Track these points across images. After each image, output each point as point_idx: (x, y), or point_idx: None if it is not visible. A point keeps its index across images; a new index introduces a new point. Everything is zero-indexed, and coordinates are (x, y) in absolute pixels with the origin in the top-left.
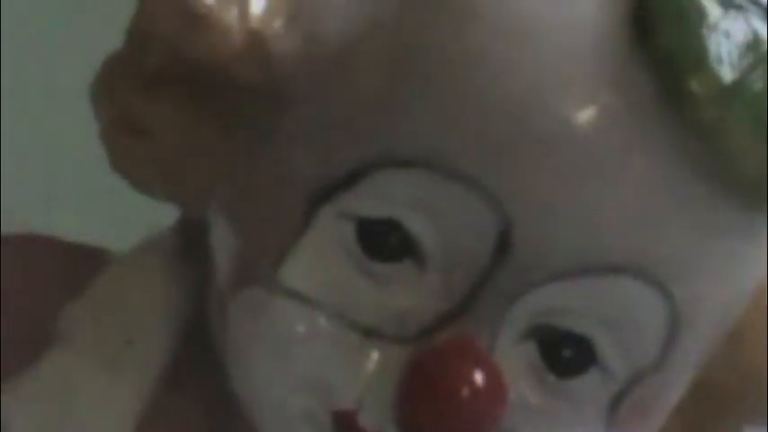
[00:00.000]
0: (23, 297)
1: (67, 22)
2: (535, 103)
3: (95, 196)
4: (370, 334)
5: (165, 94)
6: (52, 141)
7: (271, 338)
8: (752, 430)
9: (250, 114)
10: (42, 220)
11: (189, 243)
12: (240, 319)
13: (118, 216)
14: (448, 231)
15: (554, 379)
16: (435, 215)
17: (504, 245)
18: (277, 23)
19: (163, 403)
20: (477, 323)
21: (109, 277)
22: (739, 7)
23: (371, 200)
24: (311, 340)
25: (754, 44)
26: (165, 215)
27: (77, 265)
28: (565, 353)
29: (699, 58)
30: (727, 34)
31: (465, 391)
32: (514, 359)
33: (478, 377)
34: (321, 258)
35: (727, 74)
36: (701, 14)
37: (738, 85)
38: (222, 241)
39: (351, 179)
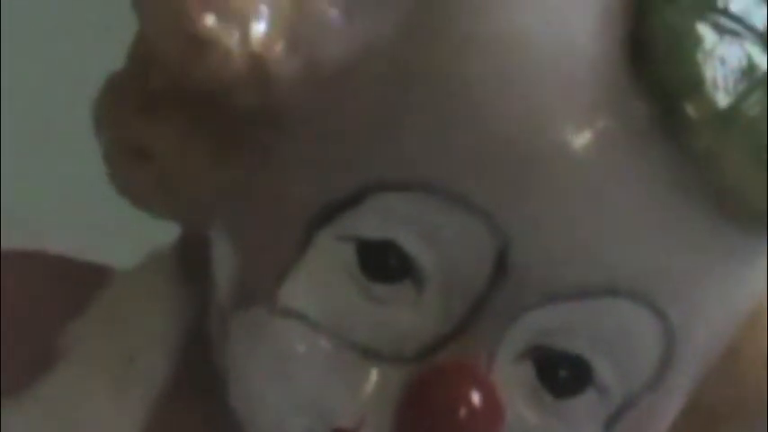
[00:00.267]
0: (26, 314)
1: (69, 25)
2: (531, 127)
3: (96, 205)
4: (369, 354)
5: (167, 116)
6: (53, 145)
7: (271, 358)
8: None
9: (250, 137)
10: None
11: (190, 260)
12: (240, 338)
13: (118, 222)
14: (446, 253)
15: (551, 399)
16: (433, 237)
17: (501, 267)
18: (277, 48)
19: (164, 419)
20: (475, 344)
21: (110, 295)
22: (735, 33)
23: (371, 222)
24: (311, 360)
25: (749, 70)
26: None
27: (79, 281)
28: (561, 373)
29: (694, 84)
30: (723, 60)
31: (463, 412)
32: (512, 379)
33: (476, 398)
34: (321, 279)
35: (723, 99)
36: (696, 40)
37: (734, 111)
38: (223, 260)
39: (350, 202)
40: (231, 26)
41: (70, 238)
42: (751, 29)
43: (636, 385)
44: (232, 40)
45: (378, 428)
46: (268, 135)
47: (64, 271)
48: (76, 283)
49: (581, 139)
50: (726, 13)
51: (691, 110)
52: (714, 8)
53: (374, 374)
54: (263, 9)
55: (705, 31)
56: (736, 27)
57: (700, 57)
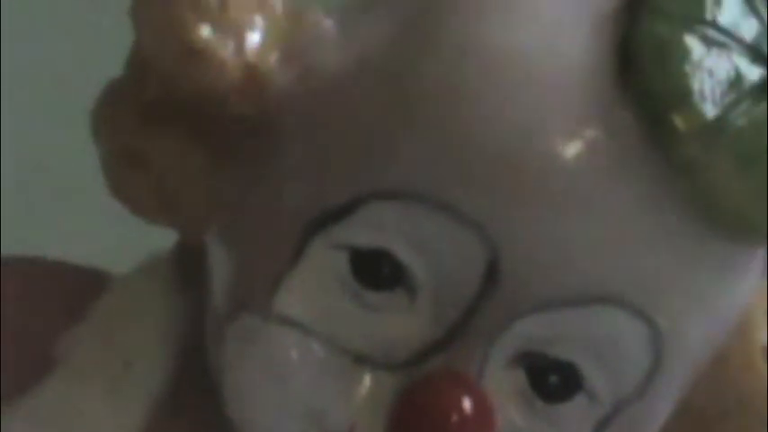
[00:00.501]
0: (24, 320)
1: (68, 32)
2: (521, 139)
3: (93, 211)
4: (362, 360)
5: (163, 126)
6: (52, 152)
7: (265, 364)
8: None
9: (245, 146)
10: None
11: (187, 267)
12: (235, 345)
13: (116, 228)
14: (438, 262)
15: (541, 404)
16: (425, 246)
17: (491, 275)
18: (272, 58)
19: (161, 424)
20: (466, 351)
21: (108, 301)
22: (722, 45)
23: (364, 230)
24: (304, 366)
25: (736, 81)
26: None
27: (77, 287)
28: (552, 379)
29: (682, 96)
30: (711, 72)
31: (454, 418)
32: (503, 385)
33: (467, 404)
34: (314, 287)
35: (710, 111)
36: (684, 52)
37: (721, 122)
38: (218, 267)
39: (344, 210)
40: (226, 37)
41: (68, 243)
42: (738, 41)
43: (625, 392)
44: (227, 50)
45: None
46: (263, 144)
47: (62, 276)
48: (74, 288)
49: (571, 151)
50: (714, 25)
51: (678, 121)
52: (702, 20)
53: (367, 380)
54: (258, 20)
55: (693, 42)
56: (723, 39)
57: (687, 68)
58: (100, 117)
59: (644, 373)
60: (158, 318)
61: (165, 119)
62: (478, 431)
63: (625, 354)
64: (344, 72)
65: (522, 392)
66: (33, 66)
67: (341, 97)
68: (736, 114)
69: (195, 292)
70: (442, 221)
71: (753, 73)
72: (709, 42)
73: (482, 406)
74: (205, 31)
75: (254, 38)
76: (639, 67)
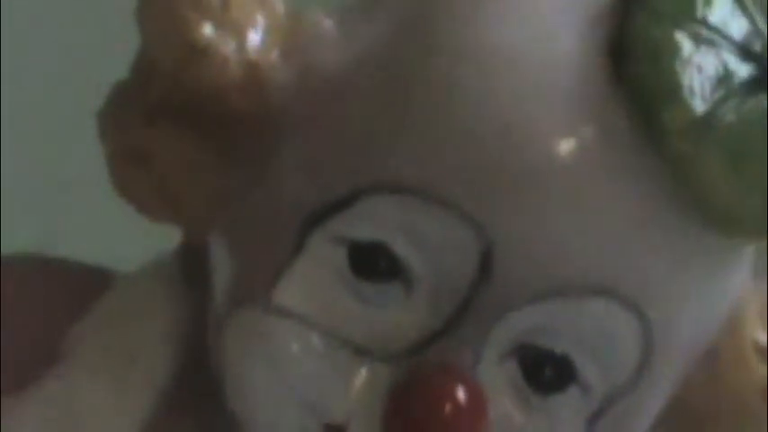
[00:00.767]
0: (29, 317)
1: (75, 34)
2: (515, 134)
3: (99, 210)
4: (360, 352)
5: (168, 125)
6: (58, 151)
7: (265, 355)
8: None
9: (247, 143)
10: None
11: (191, 266)
12: (236, 337)
13: (121, 227)
14: (433, 255)
15: (536, 397)
16: (422, 239)
17: (485, 268)
18: (273, 56)
19: (163, 422)
20: (461, 343)
21: (113, 298)
22: (712, 43)
23: (362, 224)
24: (304, 357)
25: (725, 78)
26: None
27: (82, 285)
28: (546, 371)
29: (672, 91)
30: (700, 68)
31: (448, 408)
32: (498, 377)
33: (461, 394)
34: (314, 280)
35: (700, 106)
36: (674, 49)
37: (710, 117)
38: (220, 263)
39: (342, 204)
40: (228, 35)
41: (73, 242)
42: (728, 39)
43: (617, 383)
44: (228, 47)
45: (367, 424)
46: (264, 142)
47: (67, 275)
48: (79, 286)
49: (564, 148)
50: (704, 23)
51: (668, 115)
52: (693, 19)
53: (364, 372)
54: (259, 19)
55: (683, 40)
56: (713, 37)
57: (677, 65)
58: (106, 118)
59: (635, 366)
60: (162, 315)
61: (169, 119)
62: (472, 421)
63: (617, 346)
64: (344, 70)
65: (516, 385)
66: (34, 67)
67: (340, 95)
68: (725, 110)
69: (199, 291)
70: (438, 215)
71: (742, 70)
72: (699, 40)
73: (475, 396)
74: (207, 29)
75: (255, 36)
76: (631, 64)
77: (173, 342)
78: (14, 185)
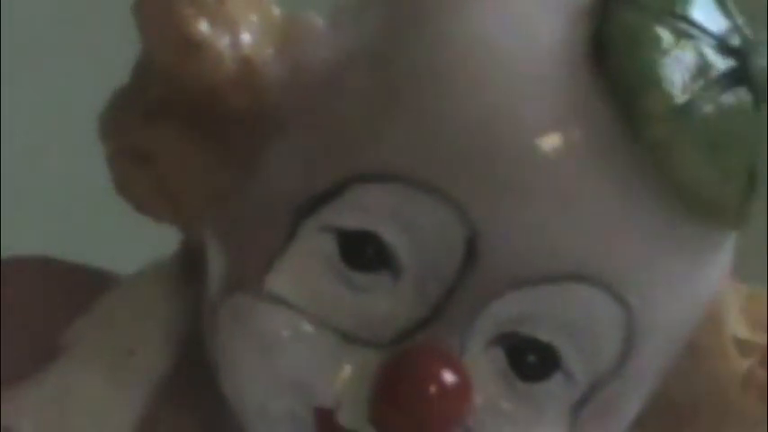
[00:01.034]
0: (31, 315)
1: (76, 41)
2: (499, 124)
3: (100, 212)
4: (349, 338)
5: (167, 124)
6: (59, 155)
7: (256, 341)
8: None
9: (242, 137)
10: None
11: (190, 266)
12: (228, 322)
13: (122, 229)
14: (420, 243)
15: (521, 383)
16: (409, 227)
17: (471, 255)
18: (267, 52)
19: (160, 416)
20: (448, 329)
21: (113, 297)
22: (691, 36)
23: (350, 213)
24: (294, 343)
25: (704, 70)
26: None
27: (83, 286)
28: (530, 358)
29: (651, 80)
30: (679, 60)
31: (432, 390)
32: (484, 364)
33: (446, 377)
34: (304, 268)
35: (679, 95)
36: (654, 41)
37: (689, 107)
38: (214, 253)
39: (331, 194)
40: (223, 31)
41: (74, 244)
42: (707, 33)
43: (600, 371)
44: (223, 43)
45: (355, 407)
46: (257, 137)
47: (68, 276)
48: (79, 286)
49: (548, 138)
50: (684, 18)
51: (648, 103)
52: (673, 14)
53: (353, 358)
54: (254, 17)
55: (663, 33)
56: (693, 31)
57: (657, 55)
58: (107, 120)
59: (617, 352)
60: (162, 312)
61: (168, 119)
62: (456, 402)
63: (599, 332)
64: (334, 65)
65: (502, 373)
66: (34, 67)
67: (330, 88)
68: (703, 101)
69: (196, 290)
70: (424, 202)
71: (721, 63)
72: (679, 34)
73: (460, 379)
74: (203, 25)
75: (249, 33)
76: (612, 55)
77: (171, 339)
78: (15, 185)
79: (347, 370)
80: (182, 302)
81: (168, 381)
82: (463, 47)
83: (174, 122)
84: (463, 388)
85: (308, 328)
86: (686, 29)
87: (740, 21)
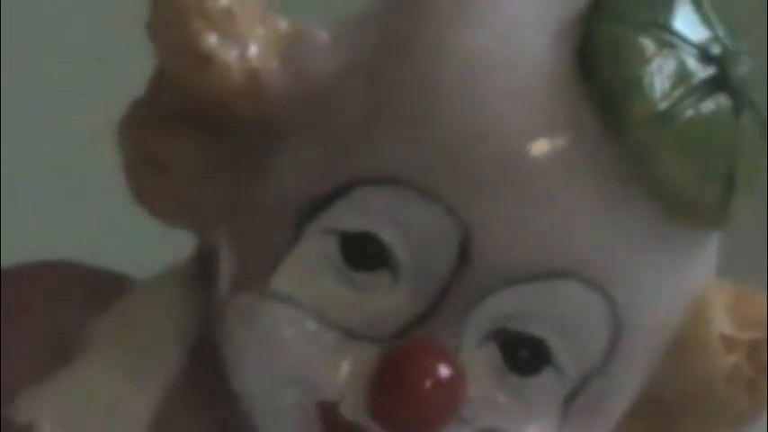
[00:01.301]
0: (56, 316)
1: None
2: (489, 132)
3: (116, 217)
4: (350, 335)
5: (181, 133)
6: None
7: (261, 338)
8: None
9: (249, 145)
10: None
11: (204, 270)
12: (235, 320)
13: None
14: (417, 243)
15: (514, 377)
16: (405, 228)
17: (464, 255)
18: (272, 64)
19: (174, 415)
20: (444, 326)
21: (130, 300)
22: (673, 46)
23: (351, 215)
24: (297, 339)
25: (686, 78)
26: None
27: (101, 289)
28: (522, 353)
29: (634, 86)
30: (661, 68)
31: (427, 384)
32: (478, 359)
33: (441, 371)
34: (308, 268)
35: (660, 101)
36: (637, 51)
37: (670, 112)
38: (224, 255)
39: (333, 197)
40: (231, 44)
41: (90, 249)
42: (689, 42)
43: (589, 365)
44: (231, 56)
45: (356, 400)
46: (263, 144)
47: (89, 278)
48: (97, 289)
49: (536, 143)
50: (666, 28)
51: (631, 108)
52: (655, 24)
53: (353, 353)
54: (260, 29)
55: (646, 42)
56: (675, 41)
57: (640, 64)
58: (124, 129)
59: (605, 347)
60: (177, 314)
61: (183, 127)
62: (451, 396)
63: (586, 327)
64: (336, 76)
65: (496, 367)
66: (36, 68)
67: (331, 97)
68: (684, 106)
69: (211, 292)
70: (420, 205)
71: (701, 71)
72: (661, 43)
73: (455, 373)
74: (212, 39)
75: (256, 46)
76: (597, 64)
77: (186, 340)
78: (15, 186)
79: (349, 365)
80: (196, 305)
81: (182, 381)
82: (455, 60)
83: (188, 131)
84: (457, 381)
85: (311, 325)
86: (668, 39)
87: (721, 31)
